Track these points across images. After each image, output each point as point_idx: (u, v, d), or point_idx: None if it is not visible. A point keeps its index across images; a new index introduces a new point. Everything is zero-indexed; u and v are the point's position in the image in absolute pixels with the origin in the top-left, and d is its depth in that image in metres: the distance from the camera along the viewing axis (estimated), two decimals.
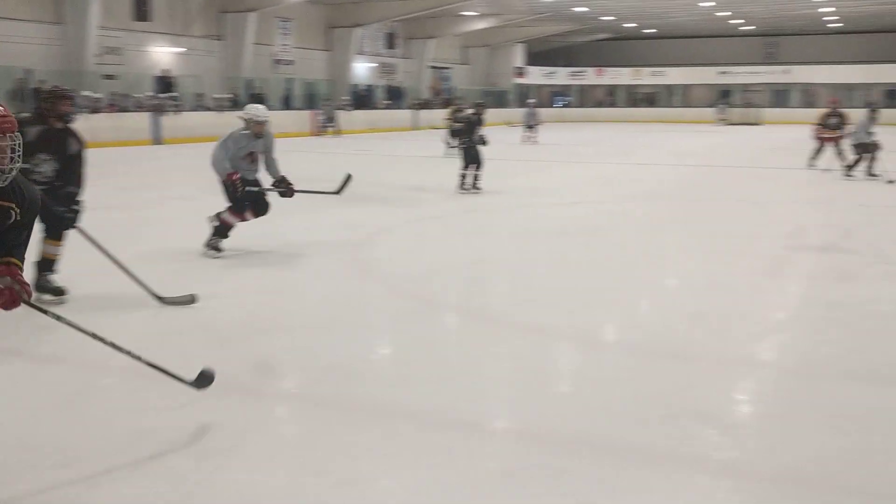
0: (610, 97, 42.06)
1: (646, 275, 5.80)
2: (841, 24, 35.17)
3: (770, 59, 39.85)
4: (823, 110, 13.19)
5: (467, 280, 5.78)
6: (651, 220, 8.65)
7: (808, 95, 37.72)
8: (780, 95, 38.85)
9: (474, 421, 3.12)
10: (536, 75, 40.80)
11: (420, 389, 3.43)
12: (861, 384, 3.56)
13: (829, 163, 12.54)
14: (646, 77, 40.48)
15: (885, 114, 13.37)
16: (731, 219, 8.56)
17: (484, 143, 10.20)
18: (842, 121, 12.57)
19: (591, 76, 41.32)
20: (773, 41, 39.96)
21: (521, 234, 7.48)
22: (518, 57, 39.82)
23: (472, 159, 10.08)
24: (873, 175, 11.57)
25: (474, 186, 10.06)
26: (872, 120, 11.74)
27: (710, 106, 38.03)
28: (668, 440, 2.93)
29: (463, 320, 4.80)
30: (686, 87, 40.86)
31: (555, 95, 42.43)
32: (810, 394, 3.50)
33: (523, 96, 35.12)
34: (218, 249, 5.94)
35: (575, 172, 14.31)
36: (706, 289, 5.38)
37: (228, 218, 5.95)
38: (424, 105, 30.51)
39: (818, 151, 13.06)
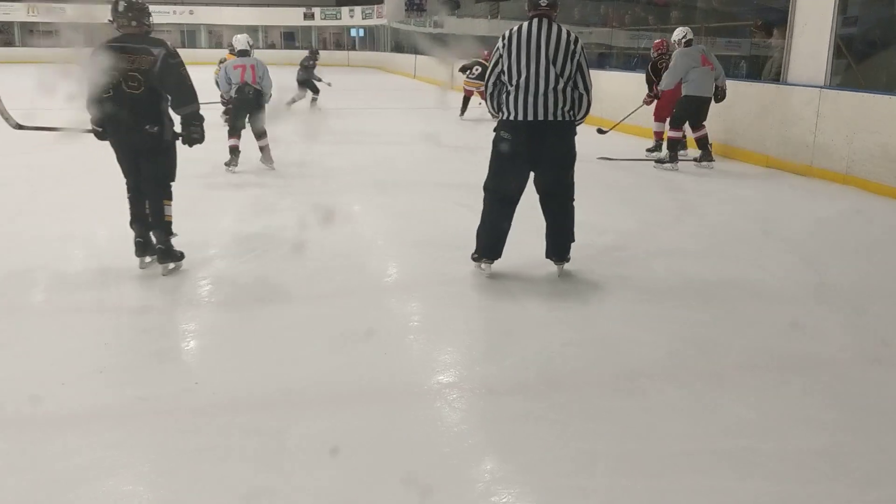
0: (2, 34, 37.58)
1: (66, 228, 5.43)
2: None
3: (175, 0, 39.96)
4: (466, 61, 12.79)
5: None
6: (64, 171, 8.06)
7: (214, 36, 39.04)
8: (188, 35, 39.41)
9: None
10: None
11: None
12: (273, 305, 3.94)
13: None
14: (43, 14, 37.09)
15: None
16: None
17: None
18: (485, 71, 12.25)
19: None
20: None
21: None
22: None
23: None
24: None
25: None
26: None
27: None
28: None
29: None
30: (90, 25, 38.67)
31: None
32: (246, 321, 3.75)
33: None
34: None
35: None
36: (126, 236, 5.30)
37: None
38: None
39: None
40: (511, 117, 3.99)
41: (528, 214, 4.25)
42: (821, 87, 7.64)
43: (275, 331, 3.59)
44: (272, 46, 39.46)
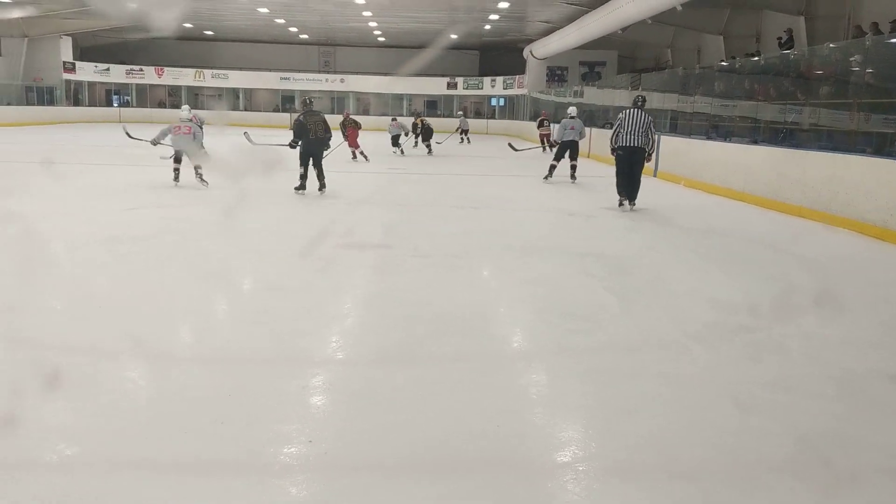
0: (172, 97, 40.81)
1: (207, 279, 5.74)
2: (384, 39, 38.58)
3: (326, 68, 42.21)
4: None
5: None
6: (210, 224, 8.58)
7: (362, 103, 40.83)
8: (338, 102, 41.44)
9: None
10: (89, 72, 38.03)
11: None
12: (390, 364, 3.98)
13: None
14: (208, 79, 40.10)
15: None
16: (291, 221, 8.88)
17: None
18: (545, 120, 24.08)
19: (150, 75, 39.69)
20: (328, 51, 42.37)
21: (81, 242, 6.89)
22: (66, 51, 36.55)
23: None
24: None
25: None
26: None
27: (276, 111, 39.29)
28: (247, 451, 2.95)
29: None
30: (250, 90, 41.41)
31: (112, 94, 40.17)
32: (363, 380, 3.80)
33: (74, 93, 32.50)
34: None
35: (128, 175, 13.54)
36: (262, 290, 5.53)
37: None
38: None
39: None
40: (622, 144, 9.95)
41: (650, 290, 4.12)
42: None
43: (389, 392, 3.61)
44: (415, 114, 40.66)
